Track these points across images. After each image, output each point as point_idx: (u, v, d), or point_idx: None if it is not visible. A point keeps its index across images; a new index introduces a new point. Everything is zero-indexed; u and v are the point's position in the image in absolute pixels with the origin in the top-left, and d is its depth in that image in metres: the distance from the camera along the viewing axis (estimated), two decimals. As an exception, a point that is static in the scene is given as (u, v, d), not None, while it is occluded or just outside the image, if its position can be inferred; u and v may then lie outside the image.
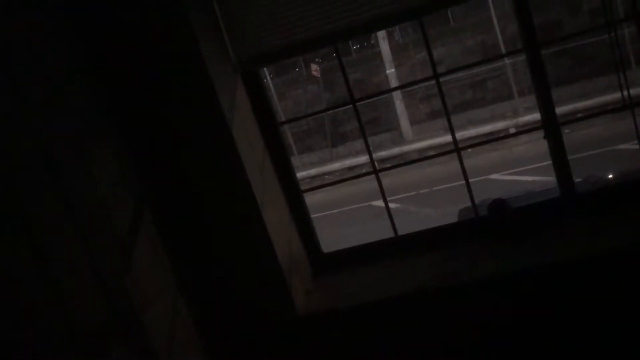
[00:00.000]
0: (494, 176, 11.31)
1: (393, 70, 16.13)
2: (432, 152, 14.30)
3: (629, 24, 2.73)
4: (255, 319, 2.75)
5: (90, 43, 2.46)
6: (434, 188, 11.41)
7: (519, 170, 11.35)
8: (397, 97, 15.99)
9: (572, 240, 2.53)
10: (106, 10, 2.45)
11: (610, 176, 7.07)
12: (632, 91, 2.72)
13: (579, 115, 12.27)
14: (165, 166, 2.62)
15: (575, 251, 2.44)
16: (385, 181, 3.11)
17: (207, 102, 2.49)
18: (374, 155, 3.16)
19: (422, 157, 3.23)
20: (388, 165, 3.93)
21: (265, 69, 10.91)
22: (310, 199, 3.12)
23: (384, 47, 16.18)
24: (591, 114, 2.99)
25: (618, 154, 9.59)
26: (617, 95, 2.85)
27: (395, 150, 15.23)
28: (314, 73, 16.98)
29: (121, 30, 2.47)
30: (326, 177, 15.61)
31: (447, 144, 13.48)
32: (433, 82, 2.87)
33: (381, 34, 15.85)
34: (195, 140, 2.56)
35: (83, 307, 1.99)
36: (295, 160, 15.80)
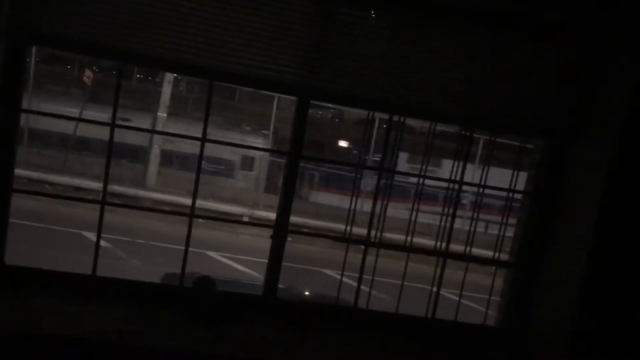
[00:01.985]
0: (211, 254, 11.49)
1: (165, 115, 15.88)
2: (166, 207, 14.05)
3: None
4: None
5: None
6: (151, 242, 11.10)
7: (236, 257, 11.75)
8: (156, 142, 15.64)
9: (255, 342, 2.63)
10: None
11: (307, 293, 7.78)
12: (355, 229, 3.09)
13: (306, 230, 13.41)
14: None
15: (252, 354, 2.53)
16: (107, 216, 2.92)
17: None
18: (109, 188, 2.97)
19: (155, 208, 3.15)
20: (117, 201, 3.73)
21: (33, 49, 9.78)
22: (19, 203, 2.76)
23: (166, 90, 15.95)
24: (316, 233, 3.28)
25: (322, 276, 10.63)
26: (341, 226, 3.20)
27: (131, 191, 14.60)
28: (85, 79, 15.79)
29: None
30: (46, 186, 14.09)
31: (183, 206, 13.40)
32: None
33: (168, 77, 15.66)
34: None
35: None
36: (22, 155, 14.03)
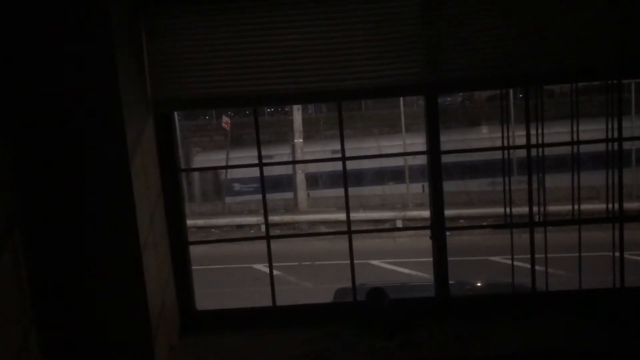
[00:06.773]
0: (375, 262, 11.64)
1: (301, 140, 16.52)
2: (322, 226, 14.53)
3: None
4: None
5: None
6: (316, 262, 11.53)
7: (398, 261, 11.79)
8: (299, 168, 16.29)
9: (440, 343, 2.63)
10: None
11: (479, 284, 7.57)
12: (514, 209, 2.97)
13: (462, 221, 13.09)
14: (47, 185, 2.45)
15: (440, 355, 2.54)
16: (271, 246, 3.09)
17: (113, 133, 2.40)
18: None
19: (314, 231, 3.30)
20: (278, 231, 3.93)
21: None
22: (191, 250, 3.03)
23: (297, 117, 16.59)
24: (476, 225, 3.21)
25: (489, 264, 10.29)
26: (498, 209, 3.08)
27: (287, 218, 15.32)
28: (224, 125, 16.97)
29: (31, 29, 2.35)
30: (213, 230, 15.29)
31: (337, 222, 13.77)
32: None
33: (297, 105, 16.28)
34: (90, 167, 2.44)
35: None
36: (187, 207, 15.32)
